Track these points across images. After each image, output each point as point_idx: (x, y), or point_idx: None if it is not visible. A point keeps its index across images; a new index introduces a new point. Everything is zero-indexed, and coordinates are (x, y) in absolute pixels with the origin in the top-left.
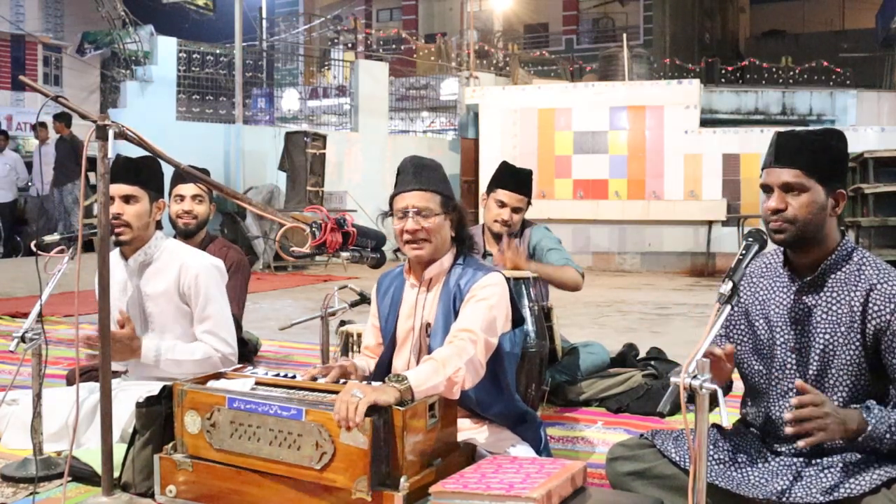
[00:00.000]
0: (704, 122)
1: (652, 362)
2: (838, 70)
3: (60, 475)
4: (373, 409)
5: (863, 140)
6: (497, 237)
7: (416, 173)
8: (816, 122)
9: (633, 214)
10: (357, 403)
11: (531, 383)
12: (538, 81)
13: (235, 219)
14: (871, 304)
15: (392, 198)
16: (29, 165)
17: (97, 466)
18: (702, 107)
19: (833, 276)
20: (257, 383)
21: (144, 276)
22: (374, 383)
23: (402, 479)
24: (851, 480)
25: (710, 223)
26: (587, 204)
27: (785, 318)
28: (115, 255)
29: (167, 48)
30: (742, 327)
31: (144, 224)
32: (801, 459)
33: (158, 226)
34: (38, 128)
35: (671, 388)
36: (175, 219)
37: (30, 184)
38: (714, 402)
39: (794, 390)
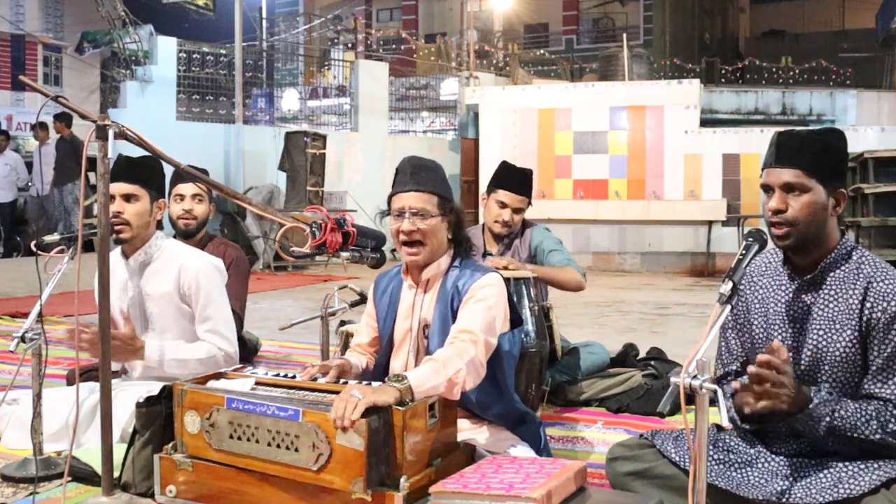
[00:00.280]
0: (704, 122)
1: (652, 362)
2: (838, 70)
3: (60, 475)
4: (372, 410)
5: (863, 140)
6: (497, 238)
7: (413, 174)
8: (816, 122)
9: (633, 214)
10: (356, 404)
11: (531, 383)
12: (538, 81)
13: (235, 219)
14: (867, 300)
15: (390, 198)
16: (29, 165)
17: (97, 466)
18: (702, 107)
19: (832, 274)
20: (258, 383)
21: (145, 276)
22: (373, 383)
23: (402, 479)
24: (851, 481)
25: (710, 223)
26: (587, 204)
27: (783, 316)
28: (116, 254)
29: (167, 48)
30: (745, 325)
31: (144, 223)
32: (800, 460)
33: (159, 226)
34: (38, 128)
35: (671, 388)
36: (175, 219)
37: (30, 184)
38: (714, 402)
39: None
